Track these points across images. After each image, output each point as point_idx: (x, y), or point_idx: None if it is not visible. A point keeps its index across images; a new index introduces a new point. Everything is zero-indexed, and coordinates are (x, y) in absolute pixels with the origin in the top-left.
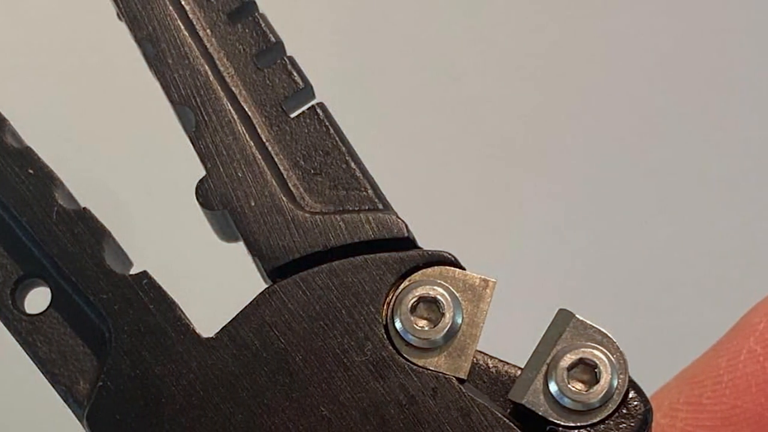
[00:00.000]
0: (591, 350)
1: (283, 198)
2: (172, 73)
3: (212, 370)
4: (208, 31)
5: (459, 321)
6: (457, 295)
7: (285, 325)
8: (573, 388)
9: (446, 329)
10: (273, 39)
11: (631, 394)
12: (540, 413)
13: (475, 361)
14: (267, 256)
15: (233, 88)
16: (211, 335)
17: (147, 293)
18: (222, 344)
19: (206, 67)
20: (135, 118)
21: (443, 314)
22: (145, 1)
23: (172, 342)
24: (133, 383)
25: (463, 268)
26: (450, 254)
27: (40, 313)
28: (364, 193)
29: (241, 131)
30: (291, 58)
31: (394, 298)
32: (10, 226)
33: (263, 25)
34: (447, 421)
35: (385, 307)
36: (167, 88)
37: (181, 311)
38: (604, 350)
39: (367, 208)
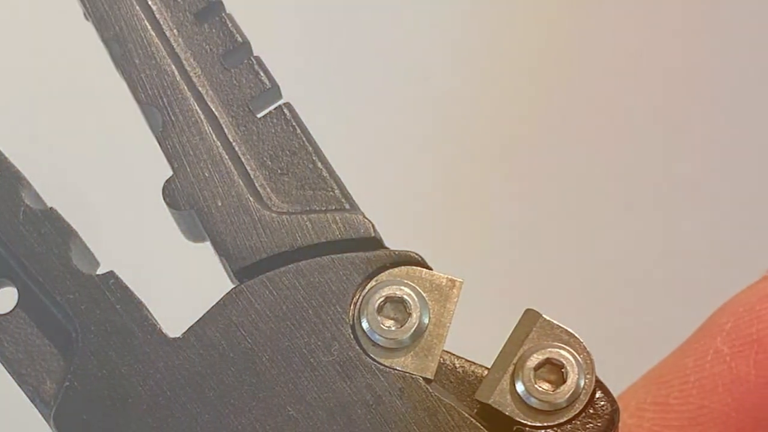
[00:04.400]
0: (558, 350)
1: (250, 198)
2: (139, 73)
3: (179, 370)
4: (174, 31)
5: (426, 321)
6: (424, 295)
7: (252, 325)
8: (540, 388)
9: (413, 329)
10: (240, 39)
11: (598, 394)
12: (507, 413)
13: (441, 361)
14: (234, 256)
15: (200, 88)
16: (177, 335)
17: (114, 293)
18: (189, 344)
19: (173, 67)
20: (102, 118)
21: (410, 314)
22: (111, 1)
23: (138, 342)
24: (100, 383)
25: (430, 268)
26: (417, 254)
27: (7, 313)
28: (331, 193)
29: (207, 131)
30: (258, 58)
31: (360, 298)
32: None
33: (230, 25)
34: (414, 421)
35: (351, 307)
36: (134, 88)
37: (148, 311)
38: (571, 350)
39: (333, 208)
